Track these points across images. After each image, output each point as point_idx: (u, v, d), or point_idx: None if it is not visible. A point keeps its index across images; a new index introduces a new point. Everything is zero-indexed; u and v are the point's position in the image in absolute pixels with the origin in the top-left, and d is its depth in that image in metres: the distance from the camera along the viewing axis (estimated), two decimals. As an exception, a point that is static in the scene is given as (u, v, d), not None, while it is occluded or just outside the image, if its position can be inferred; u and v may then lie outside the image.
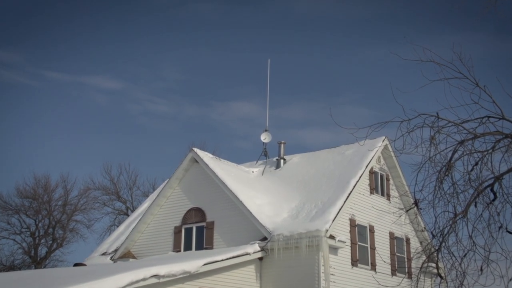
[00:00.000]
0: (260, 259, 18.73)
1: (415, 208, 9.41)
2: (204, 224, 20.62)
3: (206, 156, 21.58)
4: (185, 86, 68.86)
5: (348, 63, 67.73)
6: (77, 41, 63.69)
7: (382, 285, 17.83)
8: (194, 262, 16.01)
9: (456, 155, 9.06)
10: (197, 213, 20.92)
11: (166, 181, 23.47)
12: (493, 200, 8.96)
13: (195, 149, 21.65)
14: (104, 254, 23.07)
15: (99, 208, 42.82)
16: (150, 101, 67.11)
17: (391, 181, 22.75)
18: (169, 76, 69.49)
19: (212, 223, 20.42)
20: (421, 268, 10.10)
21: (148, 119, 65.90)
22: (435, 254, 9.57)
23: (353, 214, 20.09)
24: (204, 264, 16.27)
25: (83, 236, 42.36)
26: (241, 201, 19.52)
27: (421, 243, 23.09)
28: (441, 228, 9.03)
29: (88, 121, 64.11)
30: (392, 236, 21.90)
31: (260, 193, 20.97)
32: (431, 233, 9.19)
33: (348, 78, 68.98)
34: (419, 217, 21.27)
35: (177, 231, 21.17)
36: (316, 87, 69.21)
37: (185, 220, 21.13)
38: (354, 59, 68.69)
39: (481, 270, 8.83)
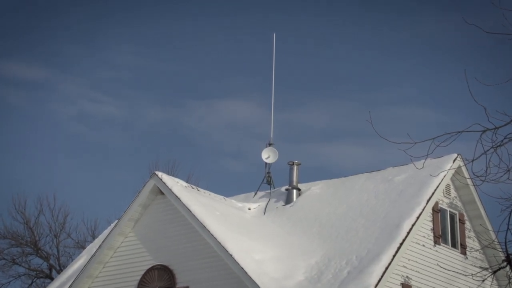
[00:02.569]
0: None
1: (508, 268, 9.58)
2: (173, 291, 20.72)
3: (176, 185, 21.74)
4: (145, 75, 68.42)
5: (394, 40, 67.74)
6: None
7: None
8: None
9: None
10: (162, 274, 21.04)
11: (113, 224, 23.61)
12: None
13: (159, 174, 21.87)
14: None
15: (5, 268, 42.84)
16: (89, 99, 67.10)
17: (467, 225, 22.90)
18: (120, 60, 69.35)
19: (186, 289, 20.63)
20: None
21: (86, 126, 65.80)
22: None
23: (407, 276, 20.22)
24: None
25: (-21, 315, 42.31)
26: (231, 255, 19.50)
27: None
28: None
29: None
30: (469, 311, 22.00)
31: (261, 242, 21.08)
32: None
33: (396, 64, 69.08)
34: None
35: (130, 302, 21.35)
36: (346, 79, 69.03)
37: (143, 285, 21.24)
38: (403, 33, 68.80)
39: None
